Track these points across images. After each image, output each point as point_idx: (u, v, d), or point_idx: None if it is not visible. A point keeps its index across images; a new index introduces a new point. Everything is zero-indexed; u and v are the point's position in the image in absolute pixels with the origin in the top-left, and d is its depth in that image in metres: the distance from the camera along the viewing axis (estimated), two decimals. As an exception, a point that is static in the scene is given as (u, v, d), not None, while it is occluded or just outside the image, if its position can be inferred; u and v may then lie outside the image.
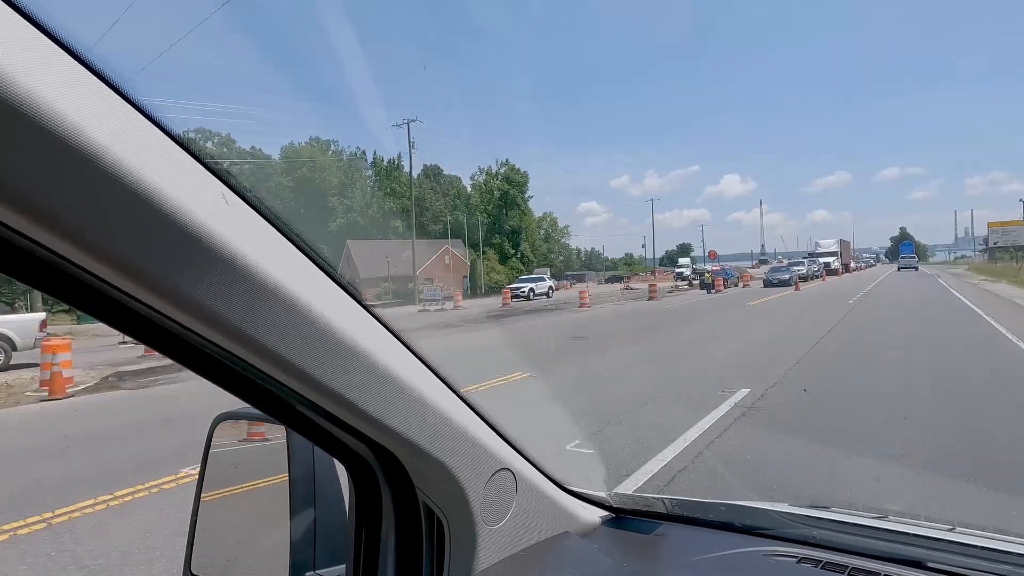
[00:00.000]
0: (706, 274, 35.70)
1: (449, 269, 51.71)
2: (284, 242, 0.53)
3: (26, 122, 0.34)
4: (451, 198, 70.52)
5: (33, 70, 0.35)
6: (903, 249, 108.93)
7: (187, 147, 0.45)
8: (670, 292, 33.33)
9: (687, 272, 51.78)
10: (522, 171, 71.45)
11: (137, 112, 0.42)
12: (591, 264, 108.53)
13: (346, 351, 0.57)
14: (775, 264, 54.36)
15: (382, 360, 0.61)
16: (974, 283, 29.71)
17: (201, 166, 0.46)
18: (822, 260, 51.39)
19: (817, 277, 43.04)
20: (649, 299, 26.35)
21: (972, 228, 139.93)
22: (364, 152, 66.71)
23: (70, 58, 0.38)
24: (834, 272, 49.77)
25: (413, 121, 44.19)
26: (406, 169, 54.97)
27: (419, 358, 0.69)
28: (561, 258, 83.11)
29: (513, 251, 68.21)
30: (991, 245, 62.86)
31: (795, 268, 39.11)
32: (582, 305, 23.06)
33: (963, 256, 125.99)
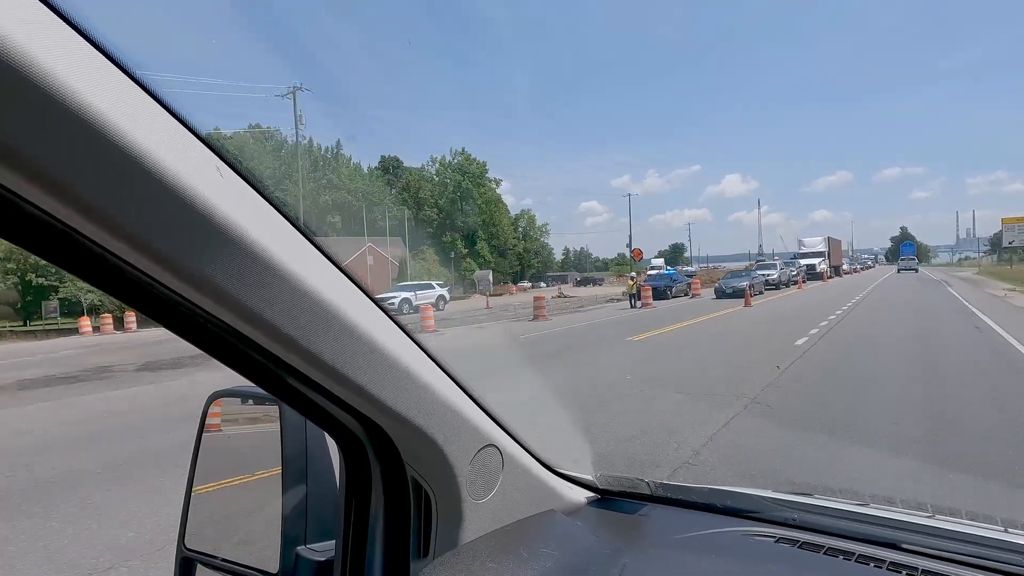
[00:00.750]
0: (630, 282, 25.89)
1: (371, 270, 44.56)
2: (276, 215, 0.55)
3: (31, 92, 0.35)
4: (398, 191, 64.60)
5: (37, 40, 0.36)
6: (904, 250, 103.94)
7: (180, 117, 0.46)
8: (593, 306, 25.60)
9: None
10: (478, 160, 64.87)
11: (131, 81, 0.43)
12: (580, 265, 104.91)
13: (338, 323, 0.58)
14: (750, 267, 43.89)
15: (373, 334, 0.62)
16: (997, 294, 21.55)
17: (195, 137, 0.47)
18: (805, 262, 43.23)
19: (794, 283, 33.69)
20: (534, 318, 18.83)
21: (974, 228, 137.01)
22: (311, 140, 60.01)
23: (63, 23, 0.39)
24: (819, 276, 41.63)
25: (300, 90, 35.87)
26: (356, 160, 51.79)
27: (408, 335, 0.70)
28: (539, 259, 77.81)
29: (466, 250, 62.15)
30: (1007, 244, 54.87)
31: (762, 273, 30.97)
32: (424, 328, 16.01)
33: (967, 257, 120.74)
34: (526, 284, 60.42)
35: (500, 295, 44.65)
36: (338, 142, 61.48)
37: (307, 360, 0.58)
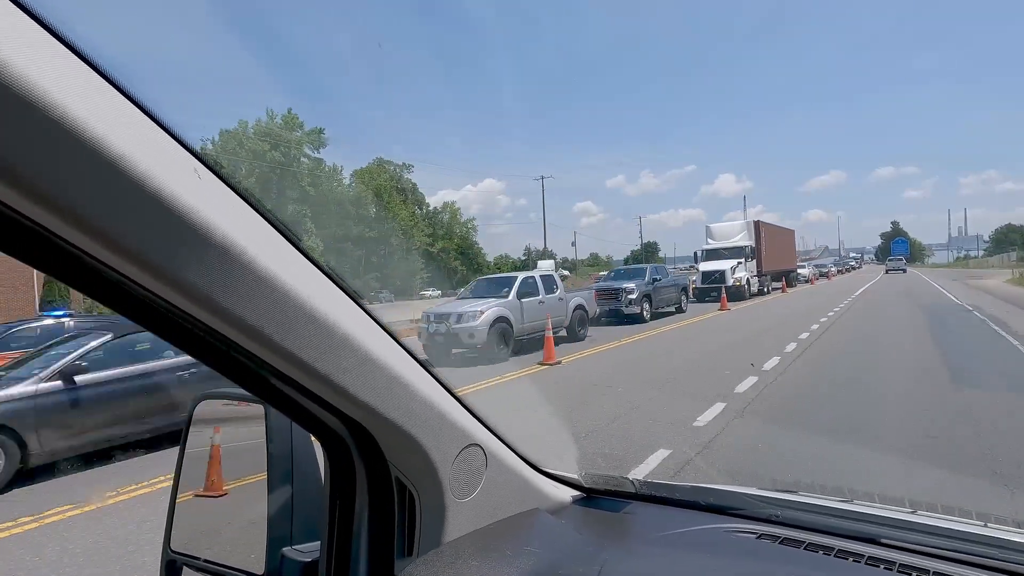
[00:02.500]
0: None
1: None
2: (256, 216, 0.55)
3: (14, 101, 0.36)
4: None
5: (21, 52, 0.36)
6: (895, 248, 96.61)
7: (158, 121, 0.46)
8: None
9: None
10: (312, 127, 46.31)
11: (109, 84, 0.43)
12: (533, 266, 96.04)
13: (321, 324, 0.58)
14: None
15: (356, 334, 0.63)
16: None
17: (175, 140, 0.48)
18: (707, 267, 23.83)
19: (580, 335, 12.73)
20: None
21: (966, 227, 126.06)
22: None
23: (45, 32, 0.39)
24: (738, 293, 22.26)
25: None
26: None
27: (391, 335, 0.71)
28: (463, 261, 61.01)
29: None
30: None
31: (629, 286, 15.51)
32: None
33: (966, 255, 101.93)
34: (429, 292, 47.88)
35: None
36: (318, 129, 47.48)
37: (290, 361, 0.58)
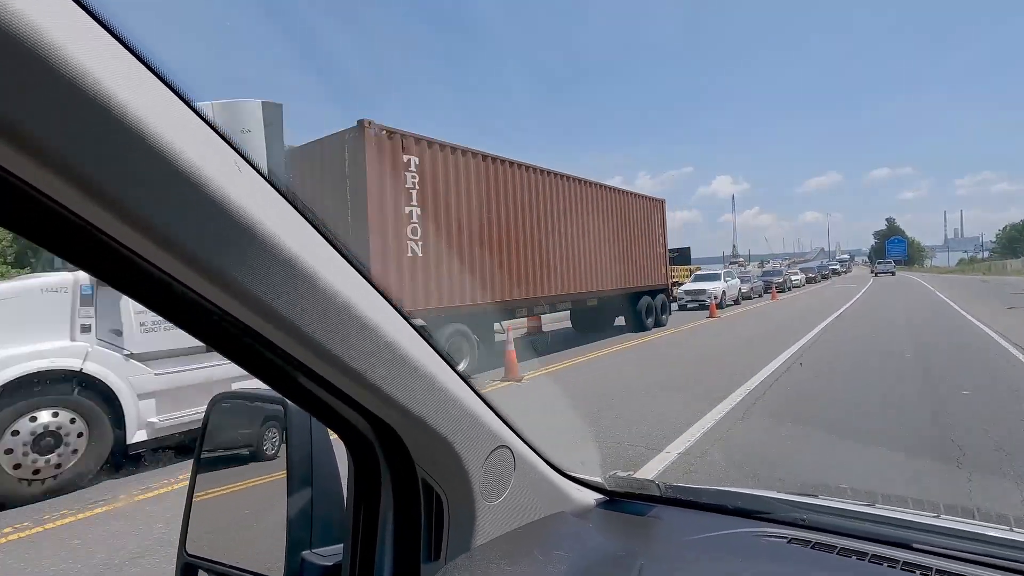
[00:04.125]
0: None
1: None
2: (294, 213, 0.54)
3: (52, 79, 0.35)
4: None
5: (81, 47, 0.36)
6: (891, 248, 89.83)
7: (200, 114, 0.45)
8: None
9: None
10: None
11: (153, 75, 0.42)
12: None
13: (354, 320, 0.57)
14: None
15: (388, 332, 0.62)
16: None
17: (215, 133, 0.47)
18: None
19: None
20: None
21: (962, 228, 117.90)
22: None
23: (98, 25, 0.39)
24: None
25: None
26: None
27: (421, 335, 0.69)
28: None
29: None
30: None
31: None
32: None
33: (971, 257, 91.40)
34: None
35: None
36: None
37: (321, 356, 0.57)
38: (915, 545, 0.84)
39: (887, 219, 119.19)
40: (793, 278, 34.46)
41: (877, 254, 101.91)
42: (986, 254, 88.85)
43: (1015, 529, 0.88)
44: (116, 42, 0.40)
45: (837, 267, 73.40)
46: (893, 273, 55.52)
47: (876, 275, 52.53)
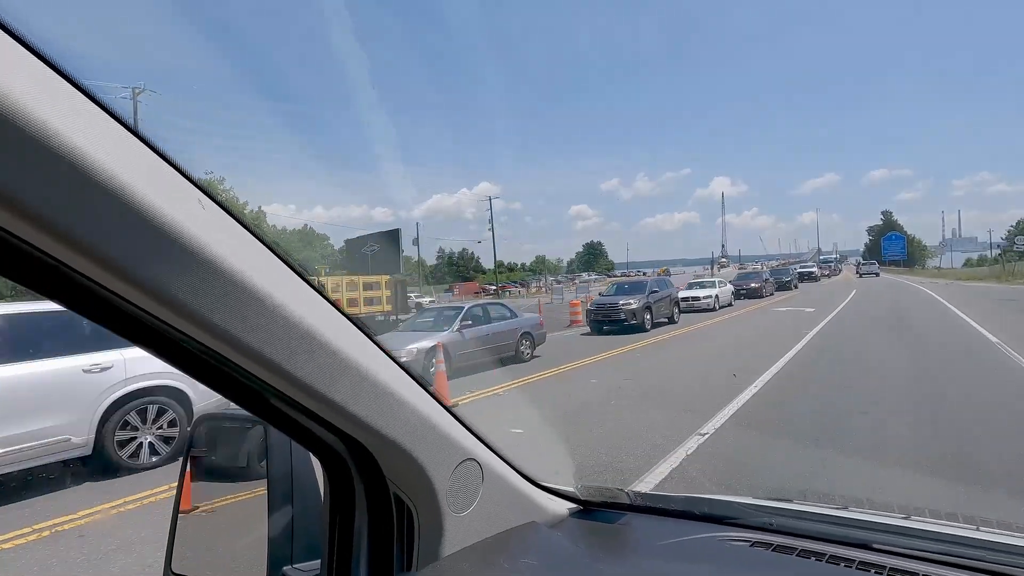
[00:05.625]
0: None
1: None
2: (257, 243, 0.57)
3: (23, 136, 0.38)
4: None
5: (23, 86, 0.39)
6: (888, 246, 76.23)
7: (165, 156, 0.49)
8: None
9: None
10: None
11: (115, 122, 0.45)
12: (463, 271, 75.29)
13: (318, 344, 0.60)
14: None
15: (351, 352, 0.65)
16: None
17: (178, 173, 0.50)
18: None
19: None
20: None
21: (959, 229, 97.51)
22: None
23: (48, 68, 0.41)
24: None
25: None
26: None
27: (385, 352, 0.72)
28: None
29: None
30: None
31: None
32: None
33: (979, 258, 76.78)
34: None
35: None
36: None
37: (288, 380, 0.59)
38: (875, 545, 0.86)
39: (883, 212, 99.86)
40: (700, 296, 21.24)
41: (872, 253, 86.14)
42: (993, 253, 72.01)
43: (980, 528, 0.90)
44: (72, 87, 0.43)
45: (810, 269, 47.23)
46: (877, 274, 48.86)
47: (860, 276, 47.75)
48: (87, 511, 4.33)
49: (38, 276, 0.45)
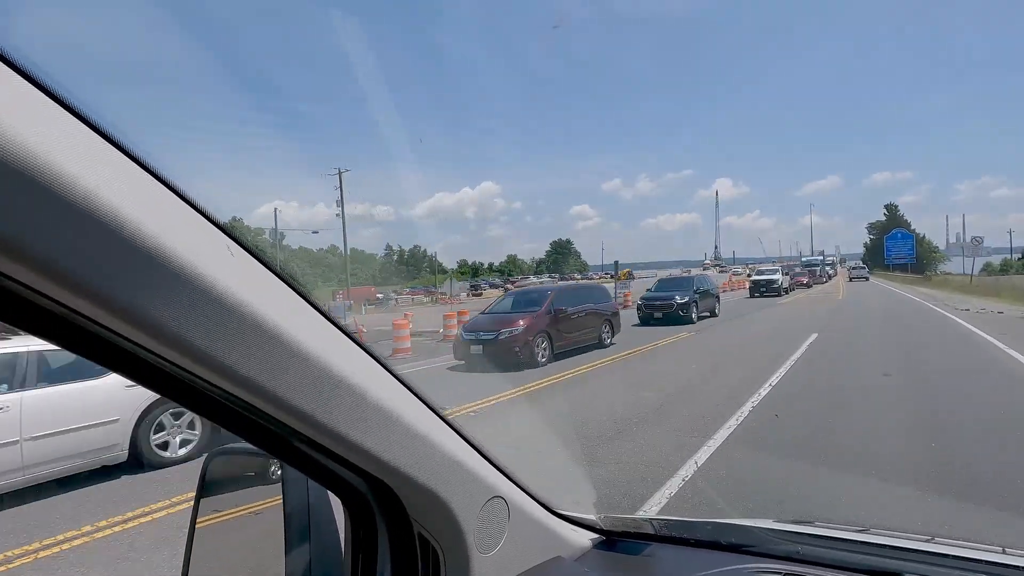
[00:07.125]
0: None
1: None
2: (284, 288, 0.56)
3: (37, 185, 0.37)
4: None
5: (47, 139, 0.38)
6: (892, 245, 64.90)
7: (194, 204, 0.48)
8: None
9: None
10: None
11: (146, 172, 0.45)
12: (430, 270, 66.96)
13: (348, 390, 0.59)
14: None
15: (377, 393, 0.63)
16: None
17: (206, 219, 0.49)
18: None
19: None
20: None
21: (964, 233, 78.02)
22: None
23: (74, 118, 0.41)
24: None
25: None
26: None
27: (409, 388, 0.71)
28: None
29: None
30: None
31: None
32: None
33: (1004, 262, 62.74)
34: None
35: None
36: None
37: (310, 424, 0.58)
38: (905, 574, 0.85)
39: (886, 207, 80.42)
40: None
41: (873, 254, 73.21)
42: (1013, 257, 62.13)
43: (1007, 552, 0.89)
44: (96, 134, 0.42)
45: (770, 277, 31.25)
46: (867, 279, 43.54)
47: (851, 280, 42.78)
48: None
49: (62, 331, 0.43)
